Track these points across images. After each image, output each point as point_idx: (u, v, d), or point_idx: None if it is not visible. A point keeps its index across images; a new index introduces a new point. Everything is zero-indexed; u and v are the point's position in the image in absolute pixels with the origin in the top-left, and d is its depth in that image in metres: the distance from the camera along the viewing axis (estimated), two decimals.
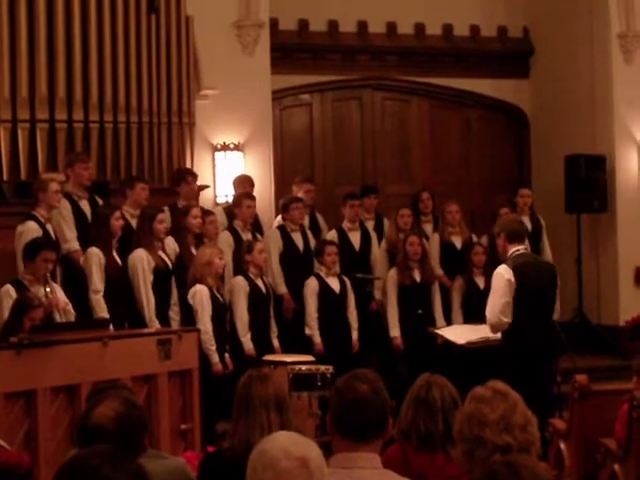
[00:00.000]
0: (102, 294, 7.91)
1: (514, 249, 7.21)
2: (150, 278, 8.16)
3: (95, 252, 7.93)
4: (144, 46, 9.78)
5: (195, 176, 9.49)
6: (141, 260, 8.14)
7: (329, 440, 3.37)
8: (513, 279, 7.02)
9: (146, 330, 7.87)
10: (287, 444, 2.58)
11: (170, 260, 8.44)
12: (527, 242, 8.06)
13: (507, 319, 7.04)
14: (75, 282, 8.03)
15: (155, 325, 8.07)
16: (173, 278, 8.44)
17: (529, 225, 10.19)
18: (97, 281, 7.89)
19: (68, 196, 8.46)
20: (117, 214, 8.13)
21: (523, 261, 7.17)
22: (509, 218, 8.56)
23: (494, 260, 9.38)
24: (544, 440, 6.06)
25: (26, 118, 9.24)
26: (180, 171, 9.56)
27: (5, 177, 9.16)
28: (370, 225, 10.21)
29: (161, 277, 8.27)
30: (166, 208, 8.91)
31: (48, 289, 7.28)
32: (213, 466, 4.26)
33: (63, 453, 5.78)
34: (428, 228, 10.24)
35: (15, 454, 5.00)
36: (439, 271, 9.83)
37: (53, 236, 8.11)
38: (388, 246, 9.88)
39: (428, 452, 4.11)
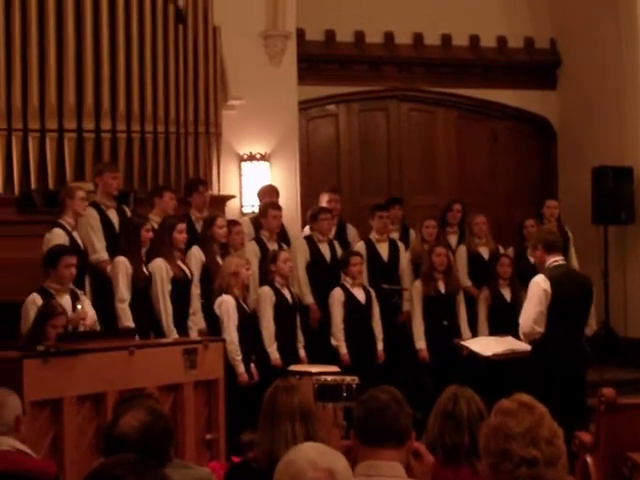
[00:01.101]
0: (128, 303, 7.93)
1: (552, 260, 7.26)
2: (168, 288, 8.16)
3: (122, 261, 7.95)
4: (171, 56, 9.84)
5: (207, 185, 9.49)
6: (160, 270, 8.15)
7: (348, 444, 3.41)
8: (550, 289, 7.05)
9: (172, 339, 7.89)
10: (314, 455, 2.56)
11: (189, 270, 8.45)
12: None
13: (540, 328, 7.08)
14: (103, 292, 8.06)
15: (173, 334, 8.07)
16: (193, 288, 8.45)
17: None
18: (123, 290, 7.90)
19: (96, 205, 8.50)
20: (148, 226, 8.16)
21: (560, 272, 7.20)
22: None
23: (520, 272, 9.38)
24: (570, 453, 6.03)
25: (54, 128, 9.32)
26: (191, 181, 9.57)
27: (33, 186, 9.23)
28: (395, 236, 10.19)
29: (180, 287, 8.28)
30: (183, 218, 8.89)
31: (79, 306, 7.30)
32: (239, 476, 4.26)
33: (88, 462, 5.80)
34: (453, 239, 10.21)
35: (41, 462, 5.02)
36: (467, 282, 9.80)
37: (80, 244, 8.14)
38: (413, 256, 9.87)
39: (454, 465, 4.09)
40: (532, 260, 8.93)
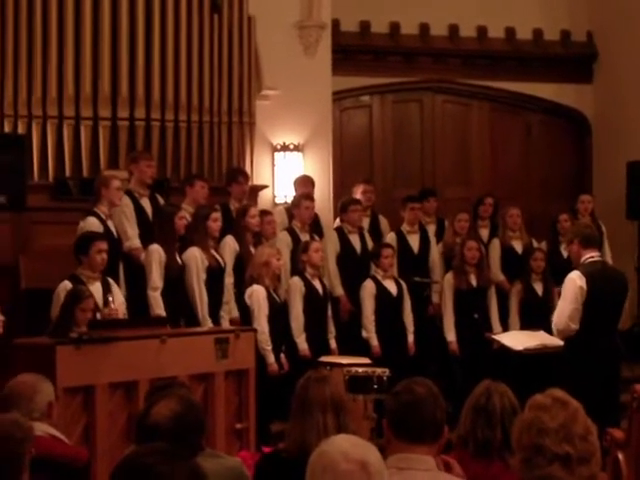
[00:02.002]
0: (160, 291, 7.94)
1: (588, 255, 7.16)
2: (203, 276, 8.17)
3: (156, 249, 7.95)
4: (206, 46, 9.85)
5: (247, 176, 9.49)
6: (195, 259, 8.14)
7: (383, 443, 3.38)
8: (585, 286, 6.98)
9: (204, 329, 7.90)
10: (347, 447, 2.55)
11: (223, 259, 8.45)
12: None
13: (575, 326, 7.01)
14: (136, 279, 8.08)
15: (208, 323, 8.08)
16: (226, 277, 8.45)
17: None
18: (156, 278, 7.91)
19: (130, 193, 8.51)
20: (181, 213, 8.17)
21: (596, 269, 7.11)
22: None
23: (553, 267, 9.32)
24: (602, 450, 5.99)
25: (89, 115, 9.36)
26: (232, 170, 9.58)
27: (67, 173, 9.28)
28: (431, 228, 10.15)
29: (214, 276, 8.28)
30: (217, 207, 8.90)
31: (110, 298, 7.32)
32: (269, 466, 4.26)
33: (120, 449, 5.84)
34: (484, 233, 10.15)
35: (74, 448, 5.05)
36: (501, 276, 9.74)
37: (115, 232, 8.16)
38: (445, 249, 9.84)
39: (485, 460, 4.08)
40: (565, 255, 8.88)
